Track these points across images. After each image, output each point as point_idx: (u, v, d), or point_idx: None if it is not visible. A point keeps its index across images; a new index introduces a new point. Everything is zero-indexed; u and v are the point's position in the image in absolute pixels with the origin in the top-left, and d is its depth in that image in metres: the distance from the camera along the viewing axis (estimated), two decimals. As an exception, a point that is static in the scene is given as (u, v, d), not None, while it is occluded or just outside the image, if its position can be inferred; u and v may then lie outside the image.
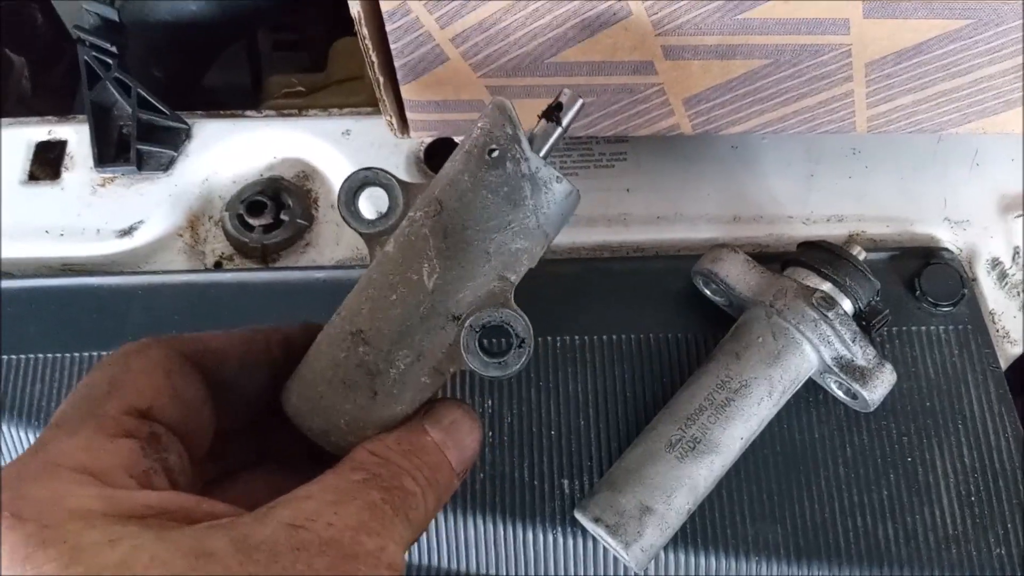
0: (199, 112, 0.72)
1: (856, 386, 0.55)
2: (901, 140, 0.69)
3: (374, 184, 0.48)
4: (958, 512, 0.59)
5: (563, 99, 0.47)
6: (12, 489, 0.35)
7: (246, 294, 0.65)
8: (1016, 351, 0.65)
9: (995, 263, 0.66)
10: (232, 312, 0.64)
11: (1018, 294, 0.66)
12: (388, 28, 0.53)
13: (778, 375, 0.55)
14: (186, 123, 0.70)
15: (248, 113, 0.71)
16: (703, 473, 0.53)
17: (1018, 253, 0.66)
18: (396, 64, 0.56)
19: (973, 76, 0.58)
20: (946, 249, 0.66)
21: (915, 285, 0.63)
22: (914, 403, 0.61)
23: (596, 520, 0.52)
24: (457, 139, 0.71)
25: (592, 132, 0.63)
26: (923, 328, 0.63)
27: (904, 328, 0.63)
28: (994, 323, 0.65)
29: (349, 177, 0.48)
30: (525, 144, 0.46)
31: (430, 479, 0.42)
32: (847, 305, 0.57)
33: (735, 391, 0.54)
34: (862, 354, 0.55)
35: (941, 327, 0.63)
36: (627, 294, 0.65)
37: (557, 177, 0.47)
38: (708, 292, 0.62)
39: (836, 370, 0.55)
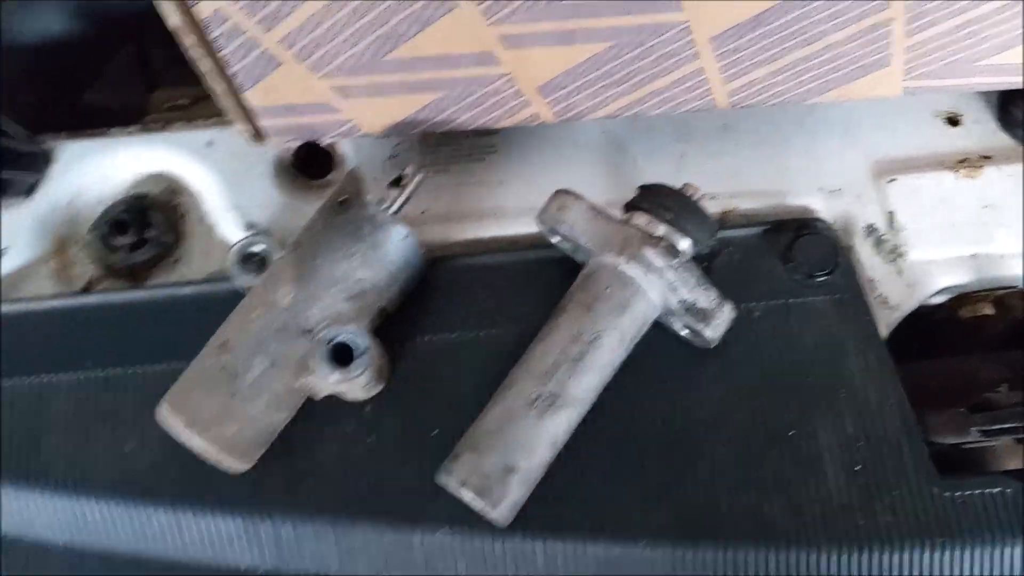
0: (63, 134, 0.70)
1: (699, 326, 0.57)
2: (771, 113, 0.68)
3: (258, 244, 0.60)
4: (843, 483, 0.59)
5: (407, 172, 0.61)
6: None
7: (115, 315, 0.63)
8: (897, 316, 0.64)
9: (871, 229, 0.66)
10: (103, 334, 0.63)
11: (895, 259, 0.65)
12: (210, 36, 0.52)
13: (627, 323, 0.56)
14: (46, 146, 0.68)
15: (111, 131, 0.70)
16: (563, 427, 0.55)
17: (893, 217, 0.65)
18: (229, 72, 0.54)
19: (822, 43, 0.57)
20: (819, 219, 0.65)
21: (789, 258, 0.62)
22: (795, 376, 0.61)
23: (463, 484, 0.53)
24: (324, 142, 0.71)
25: (455, 127, 0.62)
26: (799, 300, 0.62)
27: (781, 301, 0.62)
28: (873, 290, 0.64)
29: (235, 244, 0.60)
30: (367, 195, 0.60)
31: None
32: (687, 246, 0.59)
33: (588, 343, 0.55)
34: (705, 296, 0.57)
35: (817, 298, 0.62)
36: (504, 287, 0.64)
37: (393, 220, 0.59)
38: (555, 240, 0.62)
39: (681, 312, 0.57)
